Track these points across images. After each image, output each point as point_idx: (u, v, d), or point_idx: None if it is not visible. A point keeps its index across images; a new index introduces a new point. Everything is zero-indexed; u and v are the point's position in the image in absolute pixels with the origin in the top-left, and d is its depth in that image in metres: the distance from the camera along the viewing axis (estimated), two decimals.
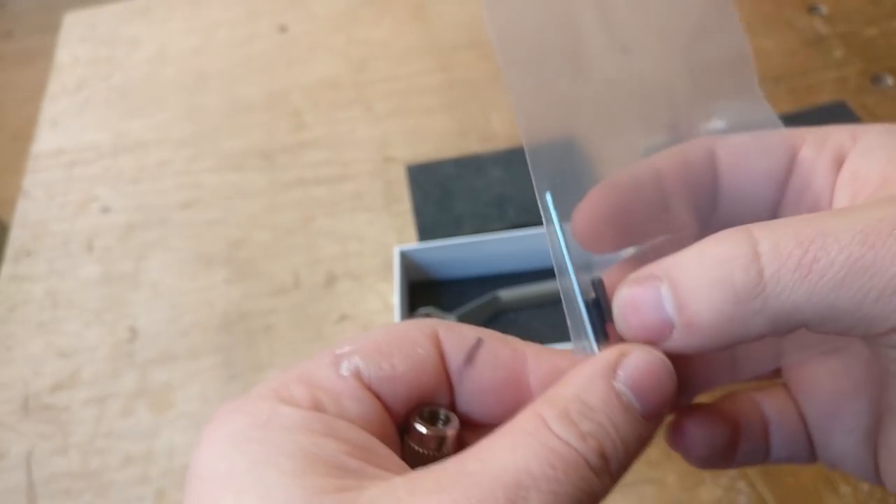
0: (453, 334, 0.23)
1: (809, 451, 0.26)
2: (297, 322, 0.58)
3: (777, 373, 0.28)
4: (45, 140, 0.76)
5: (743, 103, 0.26)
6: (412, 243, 0.58)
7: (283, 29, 0.84)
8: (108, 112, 0.78)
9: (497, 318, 0.55)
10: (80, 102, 0.80)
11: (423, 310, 0.54)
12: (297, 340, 0.57)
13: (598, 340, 0.23)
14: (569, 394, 0.20)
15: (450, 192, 0.64)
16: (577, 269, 0.24)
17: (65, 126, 0.77)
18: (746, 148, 0.25)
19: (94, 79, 0.82)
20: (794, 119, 0.65)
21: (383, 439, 0.21)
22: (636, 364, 0.21)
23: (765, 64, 0.70)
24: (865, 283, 0.19)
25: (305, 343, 0.57)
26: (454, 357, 0.23)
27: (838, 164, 0.24)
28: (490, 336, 0.24)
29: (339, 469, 0.19)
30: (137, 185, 0.70)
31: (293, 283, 0.61)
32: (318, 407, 0.21)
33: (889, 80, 0.68)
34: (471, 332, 0.24)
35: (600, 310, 0.23)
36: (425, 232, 0.62)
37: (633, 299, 0.22)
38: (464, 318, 0.54)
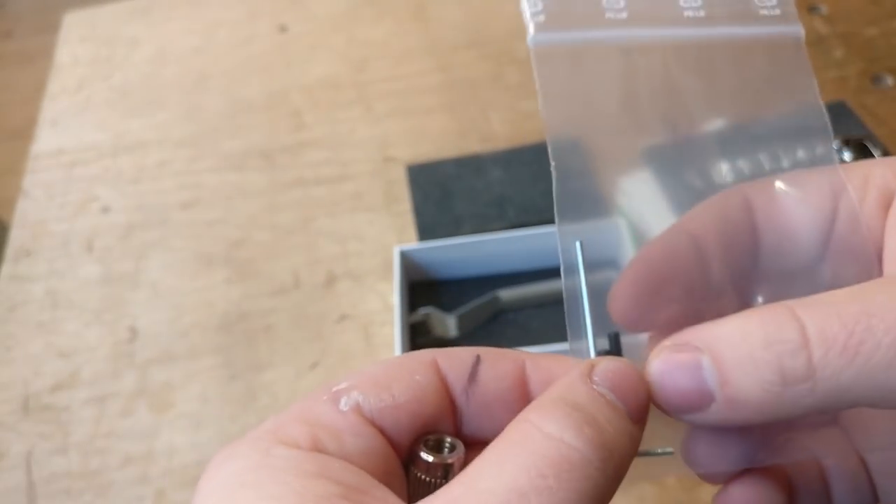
0: (451, 357, 0.23)
1: (875, 496, 0.25)
2: (297, 322, 0.58)
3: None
4: (45, 140, 0.76)
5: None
6: (412, 243, 0.58)
7: (283, 29, 0.84)
8: (108, 112, 0.78)
9: (497, 318, 0.55)
10: (80, 102, 0.80)
11: (423, 310, 0.54)
12: (297, 340, 0.57)
13: None
14: (555, 396, 0.20)
15: (450, 192, 0.64)
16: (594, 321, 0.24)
17: (65, 126, 0.78)
18: (785, 198, 0.25)
19: (94, 79, 0.82)
20: None
21: (386, 473, 0.21)
22: (608, 368, 0.21)
23: None
24: None
25: (305, 343, 0.57)
26: (455, 379, 0.23)
27: (886, 204, 0.24)
28: (487, 352, 0.24)
29: None
30: (137, 185, 0.70)
31: (293, 283, 0.61)
32: (317, 446, 0.20)
33: (889, 80, 0.68)
34: (467, 352, 0.23)
35: None
36: (425, 232, 0.62)
37: (670, 367, 0.21)
38: (464, 318, 0.54)
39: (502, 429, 0.23)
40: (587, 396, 0.20)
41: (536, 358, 0.24)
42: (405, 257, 0.55)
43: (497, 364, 0.23)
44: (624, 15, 0.26)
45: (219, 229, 0.65)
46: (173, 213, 0.67)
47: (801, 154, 0.26)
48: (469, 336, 0.54)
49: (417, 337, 0.53)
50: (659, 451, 0.24)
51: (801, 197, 0.24)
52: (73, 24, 0.90)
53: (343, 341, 0.56)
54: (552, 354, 0.24)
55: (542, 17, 0.25)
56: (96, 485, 0.51)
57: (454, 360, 0.23)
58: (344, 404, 0.22)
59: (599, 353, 0.24)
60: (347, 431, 0.21)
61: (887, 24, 0.73)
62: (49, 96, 0.81)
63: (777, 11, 0.26)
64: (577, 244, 0.24)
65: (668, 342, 0.22)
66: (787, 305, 0.20)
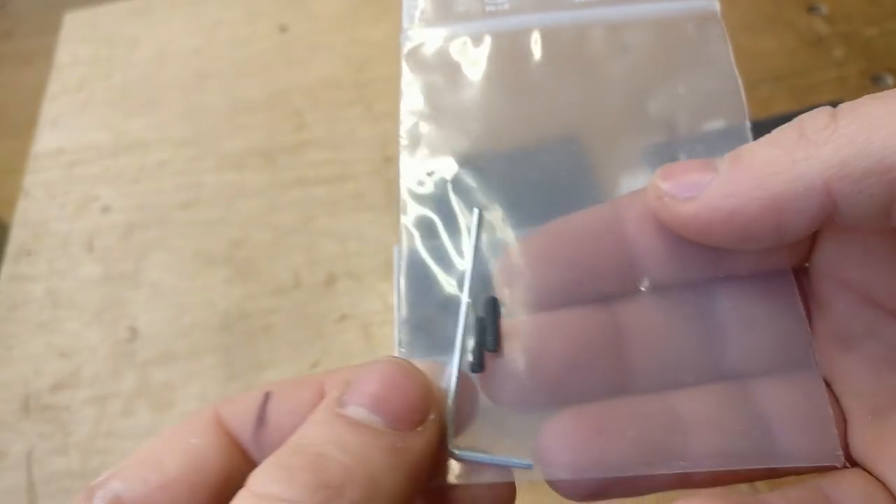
0: (235, 404, 0.21)
1: None
2: (298, 322, 0.58)
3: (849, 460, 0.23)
4: (45, 140, 0.76)
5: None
6: None
7: (283, 29, 0.84)
8: (108, 112, 0.78)
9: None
10: (80, 102, 0.79)
11: None
12: (297, 340, 0.57)
13: (475, 368, 0.21)
14: (286, 444, 0.18)
15: None
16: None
17: (65, 126, 0.77)
18: None
19: (94, 79, 0.82)
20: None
21: None
22: (363, 380, 0.19)
23: (765, 64, 0.70)
24: None
25: (305, 343, 0.57)
26: (242, 426, 0.21)
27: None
28: (281, 385, 0.22)
29: None
30: (137, 185, 0.70)
31: (293, 283, 0.61)
32: None
33: (889, 80, 0.67)
34: (257, 392, 0.21)
35: (483, 336, 0.22)
36: None
37: (682, 163, 0.20)
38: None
39: None
40: (318, 433, 0.18)
41: (335, 375, 0.22)
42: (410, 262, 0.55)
43: (291, 396, 0.21)
44: (506, 6, 0.26)
45: (219, 229, 0.65)
46: (173, 213, 0.67)
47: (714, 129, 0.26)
48: None
49: None
50: (515, 462, 0.21)
51: None
52: (74, 24, 0.90)
53: (343, 341, 0.56)
54: (352, 368, 0.22)
55: (419, 12, 0.25)
56: None
57: (238, 407, 0.21)
58: (99, 500, 0.19)
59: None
60: None
61: (887, 24, 0.73)
62: (49, 96, 0.81)
63: None
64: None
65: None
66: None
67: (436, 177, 0.25)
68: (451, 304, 0.23)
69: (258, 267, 0.62)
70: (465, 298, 0.22)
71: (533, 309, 0.22)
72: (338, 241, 0.63)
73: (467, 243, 0.23)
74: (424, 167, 0.25)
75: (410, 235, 0.24)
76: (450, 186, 0.25)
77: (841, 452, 0.21)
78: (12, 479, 0.52)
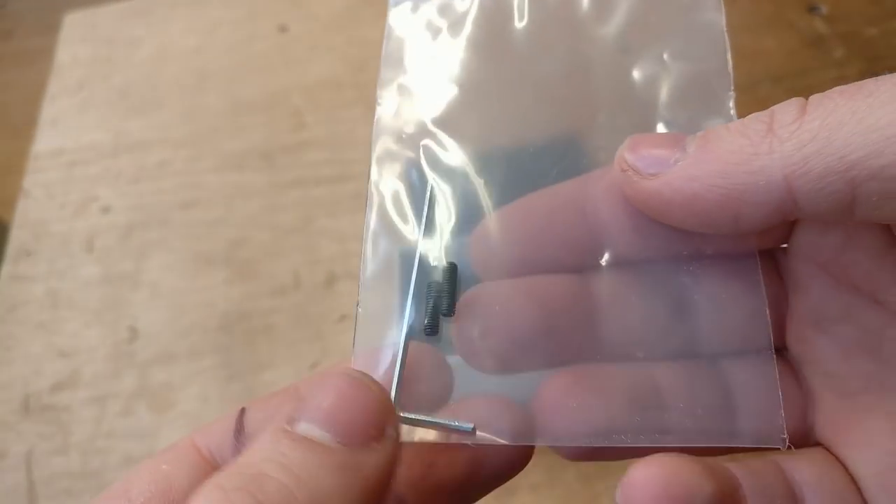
0: (212, 425, 0.22)
1: None
2: (298, 322, 0.58)
3: (808, 438, 0.23)
4: (45, 140, 0.76)
5: None
6: None
7: (283, 29, 0.84)
8: (108, 112, 0.78)
9: None
10: (80, 102, 0.79)
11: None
12: (297, 340, 0.57)
13: (428, 331, 0.22)
14: (229, 464, 0.18)
15: None
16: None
17: (65, 126, 0.77)
18: None
19: (94, 79, 0.82)
20: None
21: None
22: (315, 394, 0.19)
23: (765, 64, 0.70)
24: None
25: (306, 343, 0.57)
26: (219, 445, 0.21)
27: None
28: (254, 402, 0.22)
29: None
30: (137, 185, 0.70)
31: (293, 283, 0.60)
32: None
33: None
34: (232, 412, 0.22)
35: (439, 301, 0.22)
36: None
37: (652, 135, 0.20)
38: None
39: None
40: (261, 451, 0.18)
41: (306, 383, 0.22)
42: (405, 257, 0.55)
43: (267, 404, 0.21)
44: None
45: (219, 229, 0.65)
46: (173, 213, 0.67)
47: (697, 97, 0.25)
48: None
49: None
50: (456, 424, 0.21)
51: None
52: (74, 24, 0.90)
53: (343, 341, 0.56)
54: (315, 376, 0.22)
55: None
56: (96, 485, 0.51)
57: (214, 427, 0.21)
58: None
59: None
60: None
61: (887, 24, 0.73)
62: (49, 96, 0.81)
63: None
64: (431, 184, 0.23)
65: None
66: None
67: (409, 140, 0.26)
68: (412, 269, 0.24)
69: (258, 267, 0.62)
70: (416, 263, 0.23)
71: (503, 276, 0.23)
72: (338, 241, 0.63)
73: (424, 212, 0.24)
74: (399, 130, 0.25)
75: (381, 197, 0.25)
76: (421, 151, 0.25)
77: (786, 436, 0.21)
78: (12, 479, 0.52)
